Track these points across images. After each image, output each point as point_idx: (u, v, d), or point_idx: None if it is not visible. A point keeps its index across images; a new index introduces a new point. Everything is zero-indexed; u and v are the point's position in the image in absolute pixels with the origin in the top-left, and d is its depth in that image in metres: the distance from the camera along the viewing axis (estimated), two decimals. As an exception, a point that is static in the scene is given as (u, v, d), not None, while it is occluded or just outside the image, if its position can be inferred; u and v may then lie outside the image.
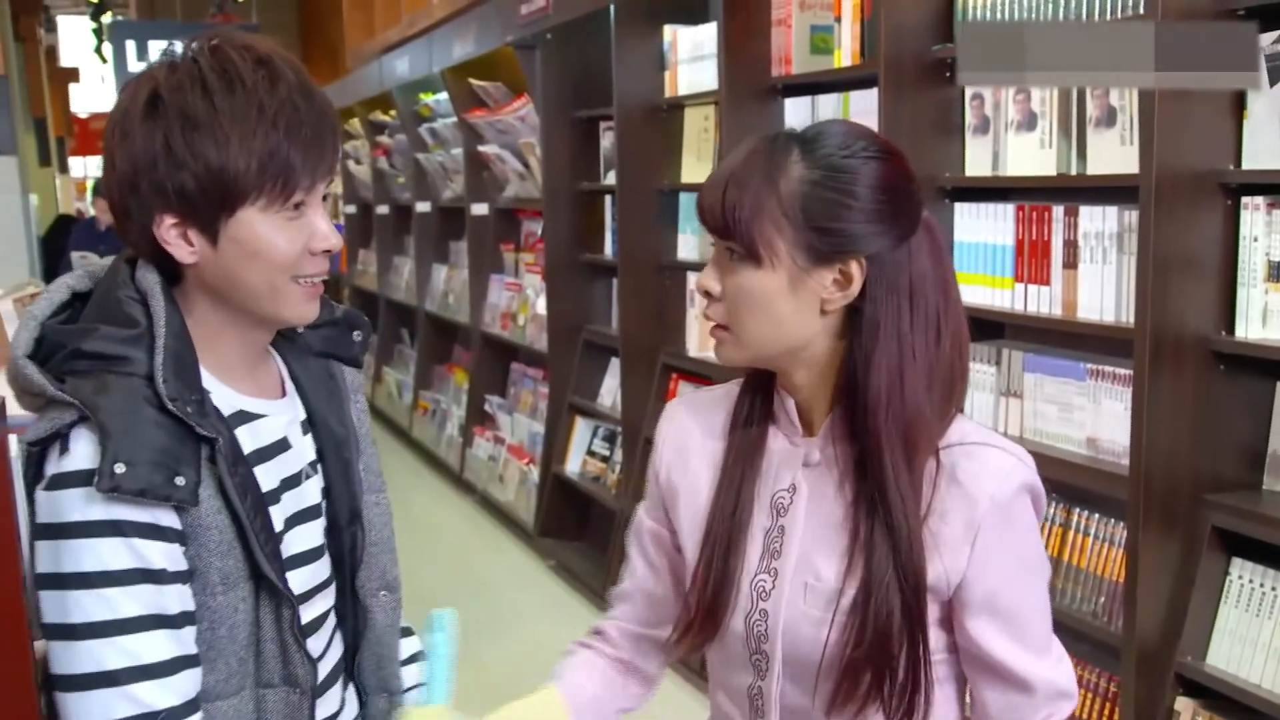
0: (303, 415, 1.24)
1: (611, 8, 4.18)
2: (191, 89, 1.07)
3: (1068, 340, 2.61)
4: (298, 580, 1.19)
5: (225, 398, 1.15)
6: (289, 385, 1.25)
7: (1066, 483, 2.52)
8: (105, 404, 1.06)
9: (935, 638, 1.16)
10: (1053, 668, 1.19)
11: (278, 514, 1.17)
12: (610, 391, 4.74)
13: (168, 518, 1.07)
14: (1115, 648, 2.32)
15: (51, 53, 15.40)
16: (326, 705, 1.25)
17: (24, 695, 1.06)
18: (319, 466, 1.25)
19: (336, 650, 1.29)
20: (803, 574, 1.17)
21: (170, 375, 1.08)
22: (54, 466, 1.07)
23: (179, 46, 1.12)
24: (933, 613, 1.15)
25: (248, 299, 1.13)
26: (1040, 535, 1.20)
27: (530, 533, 5.15)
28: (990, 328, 2.77)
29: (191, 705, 1.11)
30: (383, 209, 8.22)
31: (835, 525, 1.16)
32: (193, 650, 1.12)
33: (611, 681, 1.32)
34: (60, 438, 1.07)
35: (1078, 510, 2.52)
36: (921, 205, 1.15)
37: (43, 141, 11.25)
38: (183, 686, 1.10)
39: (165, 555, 1.07)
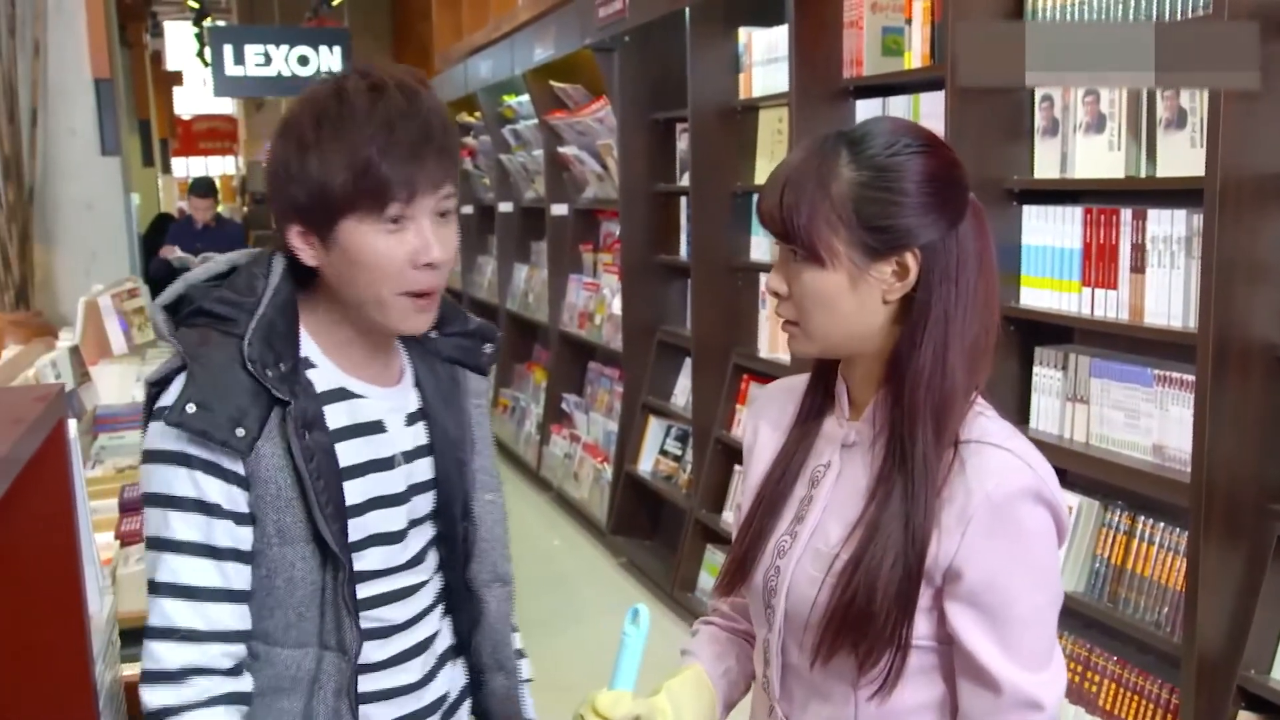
0: (411, 408, 1.34)
1: (687, 10, 4.21)
2: (307, 114, 1.21)
3: (1136, 345, 2.57)
4: (375, 557, 1.28)
5: (329, 373, 1.27)
6: (407, 379, 1.35)
7: (1132, 490, 2.49)
8: (201, 354, 1.20)
9: (924, 624, 1.18)
10: (1033, 681, 1.16)
11: (357, 489, 1.25)
12: (684, 392, 4.76)
13: (231, 462, 1.19)
14: (1177, 658, 2.28)
15: (157, 57, 15.94)
16: (436, 688, 1.36)
17: (80, 667, 1.13)
18: (422, 461, 1.34)
19: (445, 638, 1.39)
20: (816, 539, 1.23)
21: (257, 340, 1.20)
22: (159, 402, 1.22)
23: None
24: (924, 598, 1.16)
25: (360, 305, 1.25)
26: (1054, 552, 1.19)
27: (603, 530, 5.21)
28: (1058, 332, 2.74)
29: (221, 636, 1.20)
30: (468, 209, 8.36)
31: (856, 499, 1.21)
32: (236, 586, 1.21)
33: (739, 652, 1.40)
34: (169, 380, 1.21)
35: (1143, 518, 2.48)
36: (968, 190, 1.19)
37: (146, 143, 11.66)
38: (215, 615, 1.19)
39: (223, 493, 1.19)
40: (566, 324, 6.01)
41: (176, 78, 17.47)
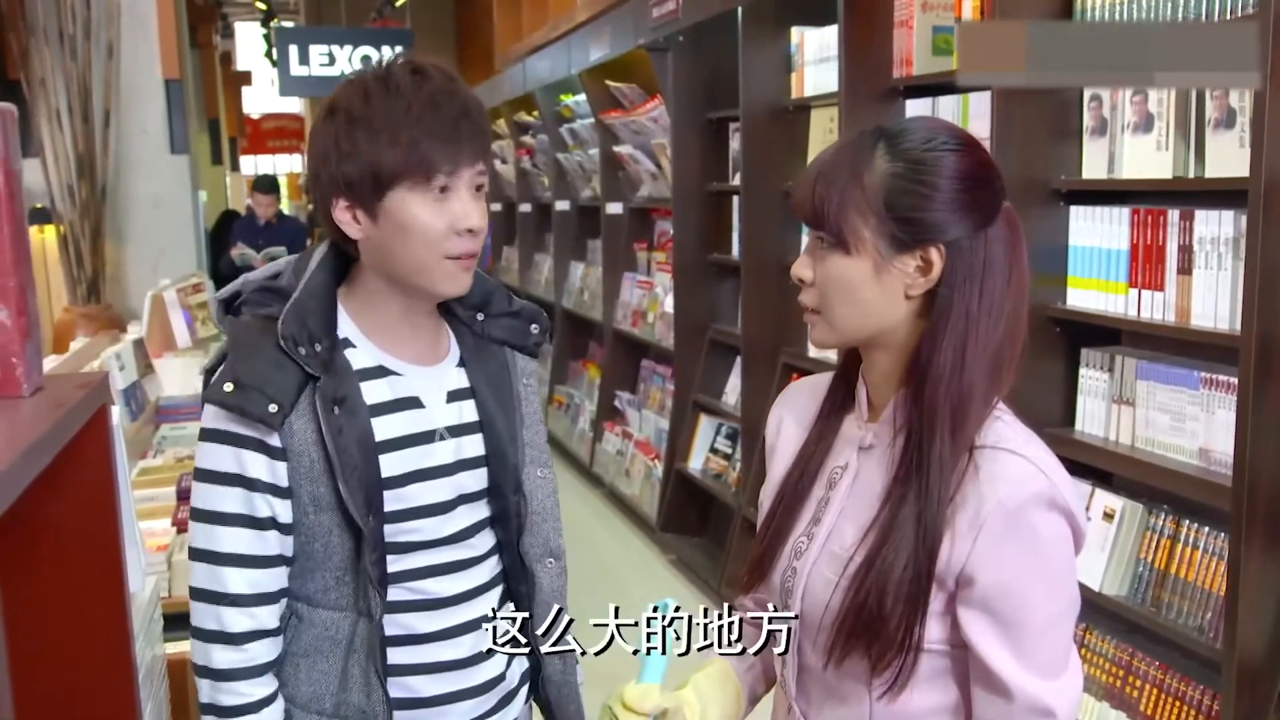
0: (453, 386, 1.40)
1: (739, 10, 4.22)
2: (355, 94, 1.30)
3: (1182, 348, 2.54)
4: (419, 530, 1.34)
5: (368, 352, 1.35)
6: (450, 359, 1.41)
7: (1176, 494, 2.46)
8: (242, 337, 1.31)
9: (938, 628, 1.18)
10: (1045, 688, 1.15)
11: (396, 462, 1.32)
12: (734, 390, 4.78)
13: (270, 436, 1.27)
14: (1218, 664, 2.26)
15: (227, 58, 16.28)
16: (489, 668, 1.41)
17: (121, 644, 1.18)
18: (472, 438, 1.40)
19: (506, 620, 1.41)
20: (832, 542, 1.24)
21: (290, 320, 1.29)
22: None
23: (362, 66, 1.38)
24: (937, 603, 1.17)
25: (407, 272, 1.32)
26: (1070, 559, 1.18)
27: (653, 527, 5.24)
28: (1105, 333, 2.72)
29: (261, 598, 1.30)
30: (525, 207, 8.44)
31: (871, 501, 1.22)
32: (275, 551, 1.30)
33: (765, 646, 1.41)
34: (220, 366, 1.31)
35: (1187, 522, 2.45)
36: (1001, 196, 1.19)
37: (215, 141, 11.91)
38: (256, 578, 1.29)
39: (264, 467, 1.28)
40: (620, 322, 6.05)
41: (246, 78, 17.81)
